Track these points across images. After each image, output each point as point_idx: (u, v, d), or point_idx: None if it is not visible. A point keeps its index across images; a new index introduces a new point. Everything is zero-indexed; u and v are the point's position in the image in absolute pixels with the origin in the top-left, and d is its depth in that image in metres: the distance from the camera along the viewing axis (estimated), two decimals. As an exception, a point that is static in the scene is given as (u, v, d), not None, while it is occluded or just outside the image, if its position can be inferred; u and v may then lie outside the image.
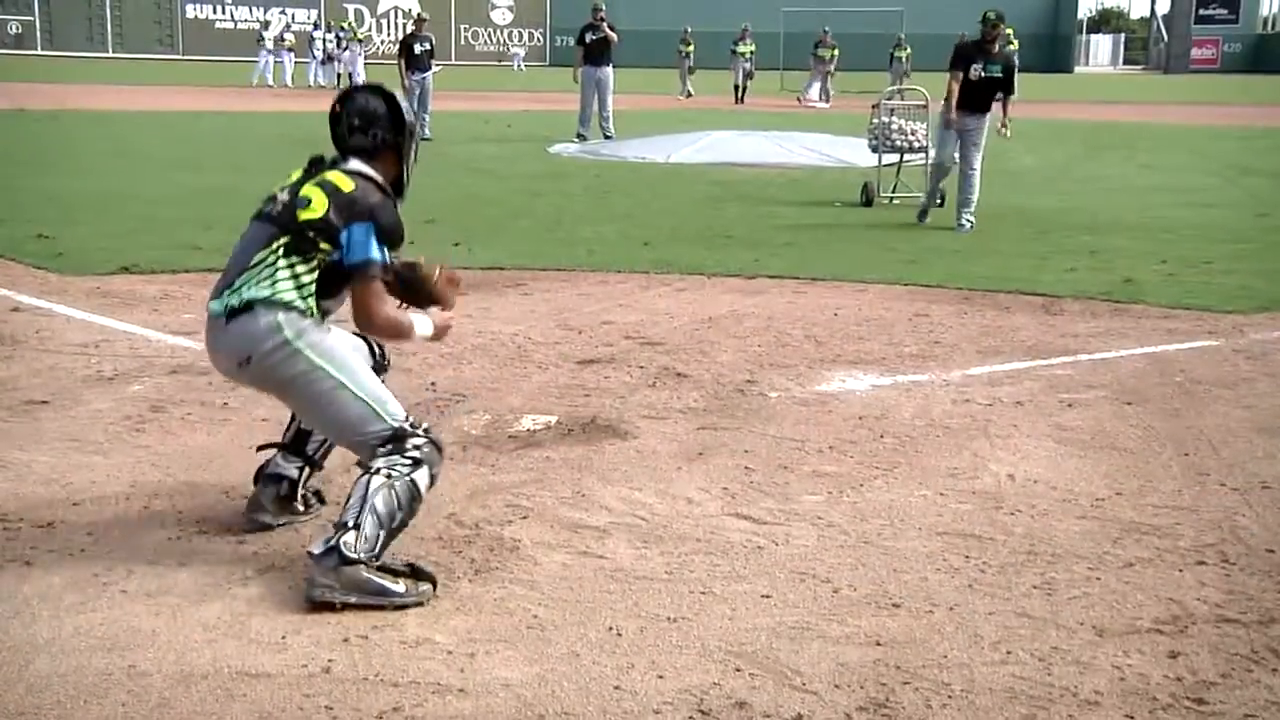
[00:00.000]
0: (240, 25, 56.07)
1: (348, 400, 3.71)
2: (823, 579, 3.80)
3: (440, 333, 4.05)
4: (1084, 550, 4.05)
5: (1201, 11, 66.79)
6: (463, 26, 61.39)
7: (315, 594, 3.55)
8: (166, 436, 5.08)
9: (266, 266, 3.70)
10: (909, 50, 36.02)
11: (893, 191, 13.01)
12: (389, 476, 3.65)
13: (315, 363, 3.70)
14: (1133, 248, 10.33)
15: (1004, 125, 11.49)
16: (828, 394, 5.86)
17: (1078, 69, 67.76)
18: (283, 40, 39.53)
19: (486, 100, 30.94)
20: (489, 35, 62.40)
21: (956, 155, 11.36)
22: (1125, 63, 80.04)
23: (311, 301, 3.71)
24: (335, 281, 3.76)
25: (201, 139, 19.85)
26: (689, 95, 35.04)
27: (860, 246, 10.35)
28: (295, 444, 4.16)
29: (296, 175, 3.85)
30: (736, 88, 34.11)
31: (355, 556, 3.56)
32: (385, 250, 3.77)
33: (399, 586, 3.61)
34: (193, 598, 3.59)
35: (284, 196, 3.79)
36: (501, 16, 62.67)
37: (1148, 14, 78.87)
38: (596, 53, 20.16)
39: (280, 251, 3.71)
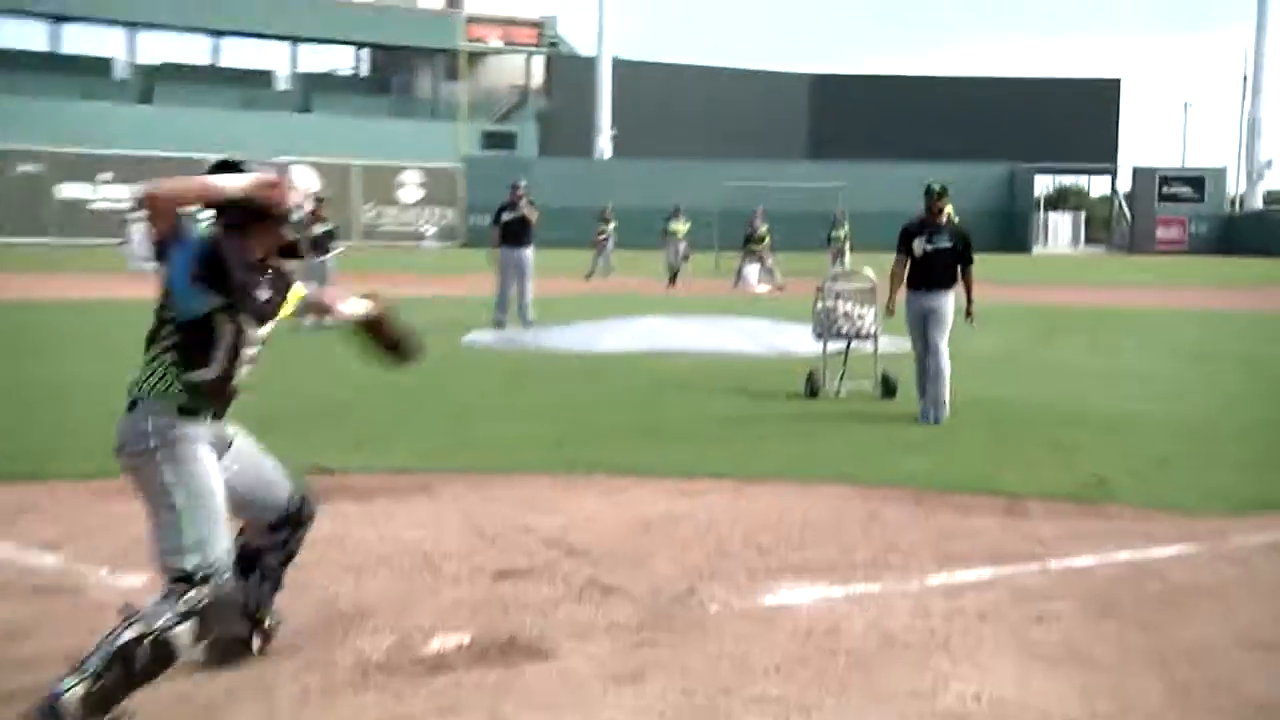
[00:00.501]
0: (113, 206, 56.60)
1: (171, 519, 4.14)
2: (770, 818, 3.75)
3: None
4: (1060, 780, 4.03)
5: (1166, 190, 69.69)
6: (365, 207, 62.43)
7: None
8: (22, 669, 4.95)
9: (144, 361, 4.21)
10: (847, 228, 37.05)
11: (839, 381, 13.22)
12: (144, 634, 3.93)
13: (162, 471, 4.13)
14: (1101, 441, 10.54)
15: (969, 313, 11.81)
16: (774, 607, 5.86)
17: (1036, 249, 69.98)
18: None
19: (394, 284, 31.25)
20: (397, 214, 63.47)
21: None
22: (1087, 242, 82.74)
23: (178, 393, 4.14)
24: (198, 339, 4.11)
25: (70, 328, 19.78)
26: (603, 274, 35.62)
27: (806, 442, 10.47)
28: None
29: None
30: (670, 270, 34.80)
31: (61, 714, 3.79)
32: (205, 270, 4.02)
33: None
34: None
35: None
36: (410, 194, 63.86)
37: (1108, 191, 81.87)
38: (515, 233, 20.49)
39: (147, 342, 4.23)
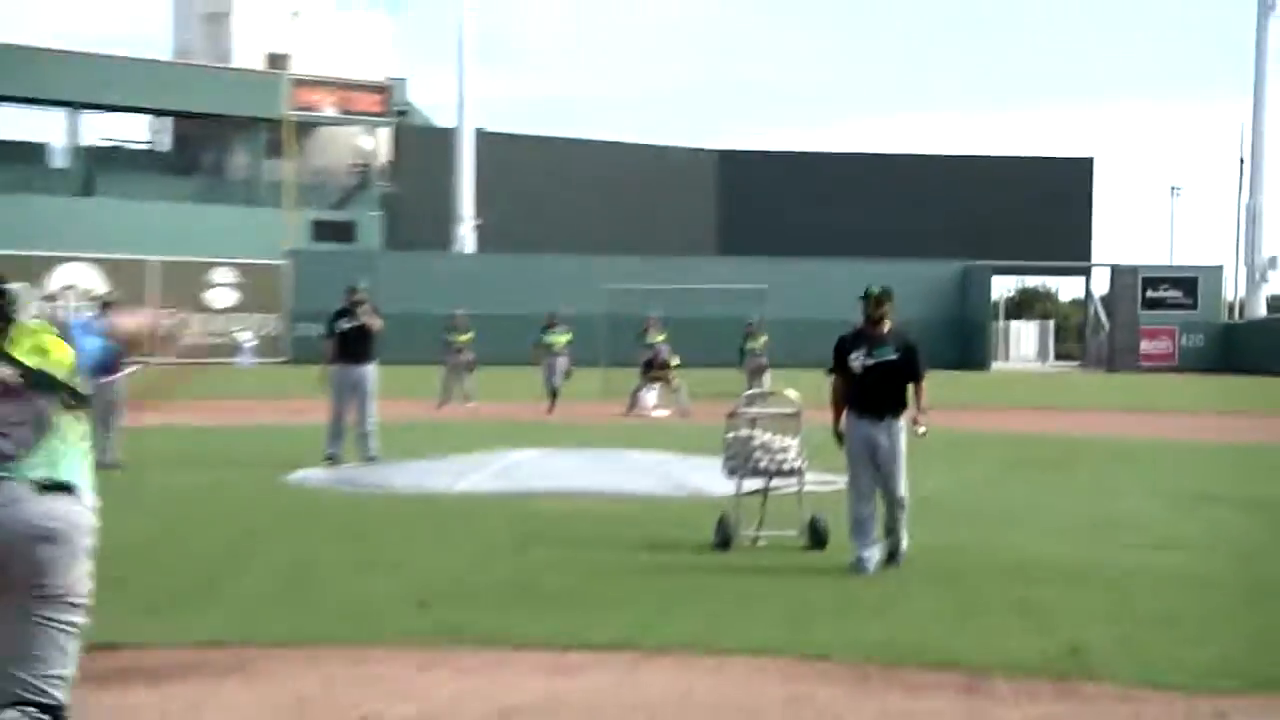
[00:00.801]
0: None
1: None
2: None
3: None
4: None
5: (1151, 294, 70.15)
6: (169, 311, 61.95)
7: None
8: None
9: None
10: (764, 338, 37.43)
11: (758, 528, 13.26)
12: None
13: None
14: (1077, 602, 10.65)
15: (917, 421, 12.02)
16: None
17: (995, 365, 70.94)
18: None
19: (200, 410, 30.93)
20: (204, 323, 63.03)
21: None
22: (1057, 357, 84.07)
23: None
24: None
25: None
26: (460, 400, 35.54)
27: (717, 603, 10.48)
28: None
29: None
30: (549, 391, 34.89)
31: None
32: None
33: None
34: None
35: None
36: (221, 298, 63.49)
37: (1082, 295, 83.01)
38: (352, 347, 20.41)
39: None
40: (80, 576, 4.84)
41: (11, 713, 4.60)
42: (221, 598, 10.41)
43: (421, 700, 7.57)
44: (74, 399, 4.75)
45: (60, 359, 4.73)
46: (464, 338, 36.23)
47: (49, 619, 4.75)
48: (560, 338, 36.18)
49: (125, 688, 7.66)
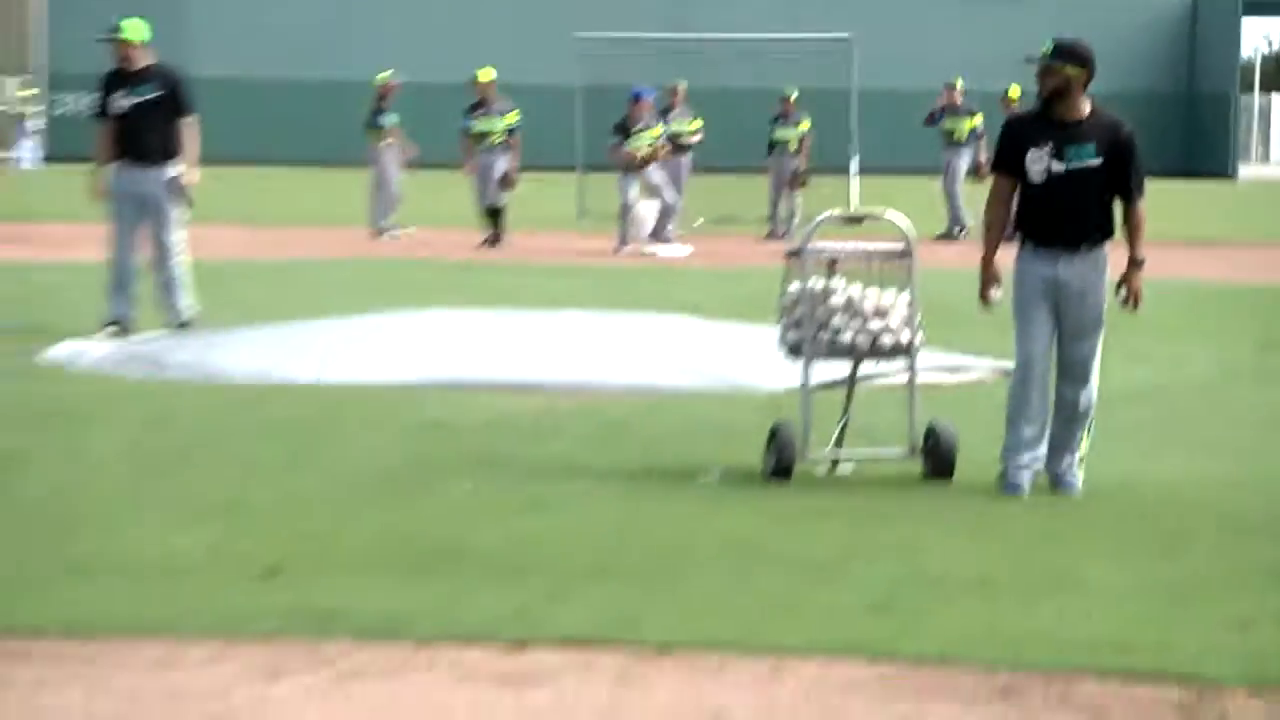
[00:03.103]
0: None
1: None
2: None
3: None
4: None
5: None
6: None
7: None
8: None
9: None
10: (807, 123, 37.45)
11: (837, 444, 13.26)
12: None
13: None
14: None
15: (1128, 286, 12.12)
16: None
17: (1246, 170, 70.68)
18: None
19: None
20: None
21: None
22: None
23: None
24: None
25: None
26: (395, 234, 35.81)
27: (764, 575, 10.56)
28: None
29: None
30: (486, 209, 34.90)
31: None
32: None
33: None
34: None
35: None
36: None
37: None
38: (139, 138, 20.39)
39: None
40: None
41: None
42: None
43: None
44: None
45: None
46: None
47: None
48: (496, 124, 36.07)
49: None
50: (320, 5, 63.12)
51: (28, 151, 59.56)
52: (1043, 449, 12.09)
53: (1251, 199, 55.32)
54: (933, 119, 39.40)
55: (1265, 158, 77.06)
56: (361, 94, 39.25)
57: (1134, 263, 12.13)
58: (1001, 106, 35.72)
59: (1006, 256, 12.25)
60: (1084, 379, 12.07)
